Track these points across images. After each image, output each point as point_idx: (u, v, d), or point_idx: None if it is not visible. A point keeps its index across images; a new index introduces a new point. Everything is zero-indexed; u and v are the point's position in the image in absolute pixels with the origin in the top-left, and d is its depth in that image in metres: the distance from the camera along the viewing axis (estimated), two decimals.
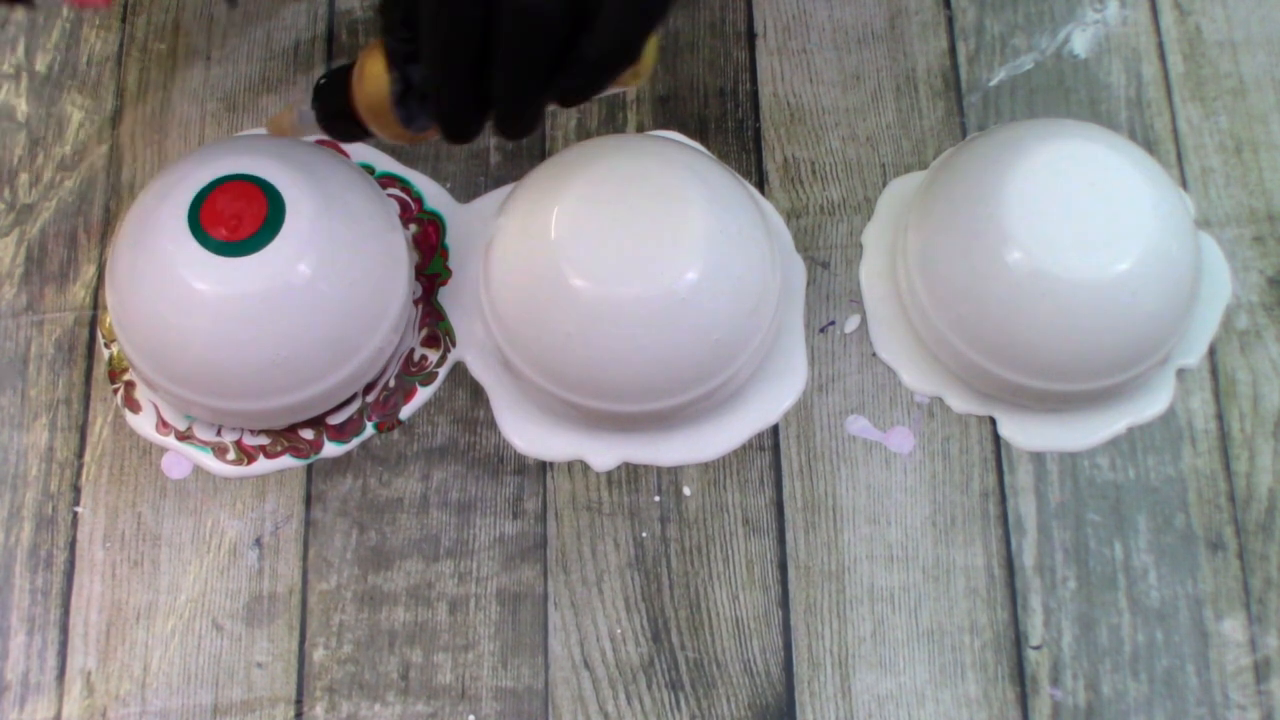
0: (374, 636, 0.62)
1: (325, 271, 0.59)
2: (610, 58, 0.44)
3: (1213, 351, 0.65)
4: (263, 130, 0.68)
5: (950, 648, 0.61)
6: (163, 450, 0.65)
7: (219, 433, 0.64)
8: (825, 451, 0.64)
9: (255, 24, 0.72)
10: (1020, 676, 0.61)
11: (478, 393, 0.65)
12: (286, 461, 0.64)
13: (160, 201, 0.59)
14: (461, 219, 0.68)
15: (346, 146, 0.67)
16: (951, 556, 0.62)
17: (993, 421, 0.64)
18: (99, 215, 0.69)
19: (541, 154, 0.69)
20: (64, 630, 0.62)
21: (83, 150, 0.70)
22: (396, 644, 0.62)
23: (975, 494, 0.63)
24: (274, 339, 0.58)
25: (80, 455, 0.65)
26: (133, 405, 0.65)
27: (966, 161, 0.63)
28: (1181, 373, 0.65)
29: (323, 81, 0.53)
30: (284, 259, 0.58)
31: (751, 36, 0.71)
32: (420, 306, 0.66)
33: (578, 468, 0.64)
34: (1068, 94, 0.69)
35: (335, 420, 0.64)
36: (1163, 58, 0.70)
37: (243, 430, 0.64)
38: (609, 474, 0.64)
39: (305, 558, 0.63)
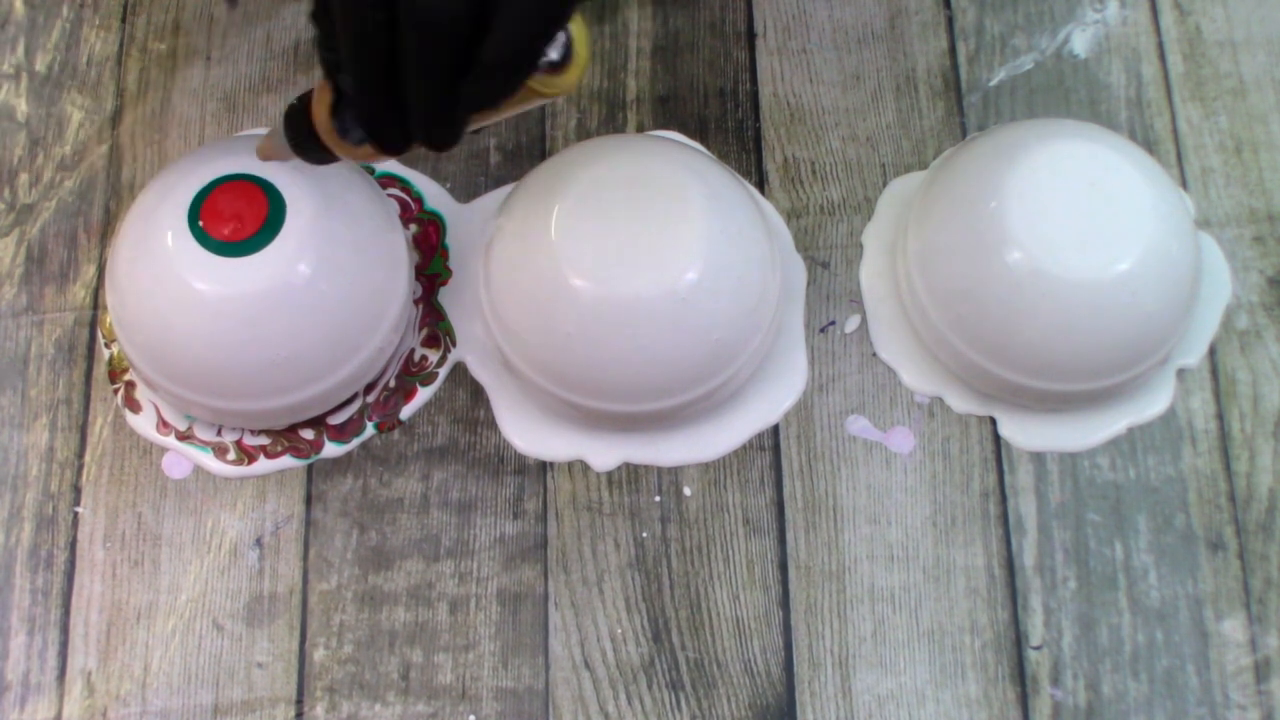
0: (374, 636, 0.62)
1: (325, 271, 0.59)
2: (508, 61, 0.44)
3: (1213, 351, 0.65)
4: (263, 130, 0.68)
5: (950, 648, 0.61)
6: (163, 450, 0.65)
7: (219, 433, 0.64)
8: (825, 451, 0.64)
9: (255, 24, 0.72)
10: (1020, 676, 0.61)
11: (478, 393, 0.65)
12: (287, 461, 0.64)
13: (160, 201, 0.59)
14: (461, 219, 0.68)
15: None
16: (952, 556, 0.62)
17: (993, 421, 0.64)
18: (99, 215, 0.69)
19: (541, 154, 0.69)
20: (64, 630, 0.62)
21: (83, 150, 0.70)
22: (397, 644, 0.62)
23: (975, 494, 0.63)
24: (274, 339, 0.58)
25: (80, 455, 0.65)
26: (133, 405, 0.65)
27: (966, 161, 0.63)
28: (1181, 373, 0.65)
29: (292, 104, 0.52)
30: (284, 259, 0.58)
31: (751, 36, 0.71)
32: (420, 306, 0.66)
33: (578, 468, 0.64)
34: (1068, 94, 0.69)
35: (336, 420, 0.64)
36: (1163, 58, 0.70)
37: (243, 430, 0.64)
38: (609, 474, 0.64)
39: (306, 558, 0.63)
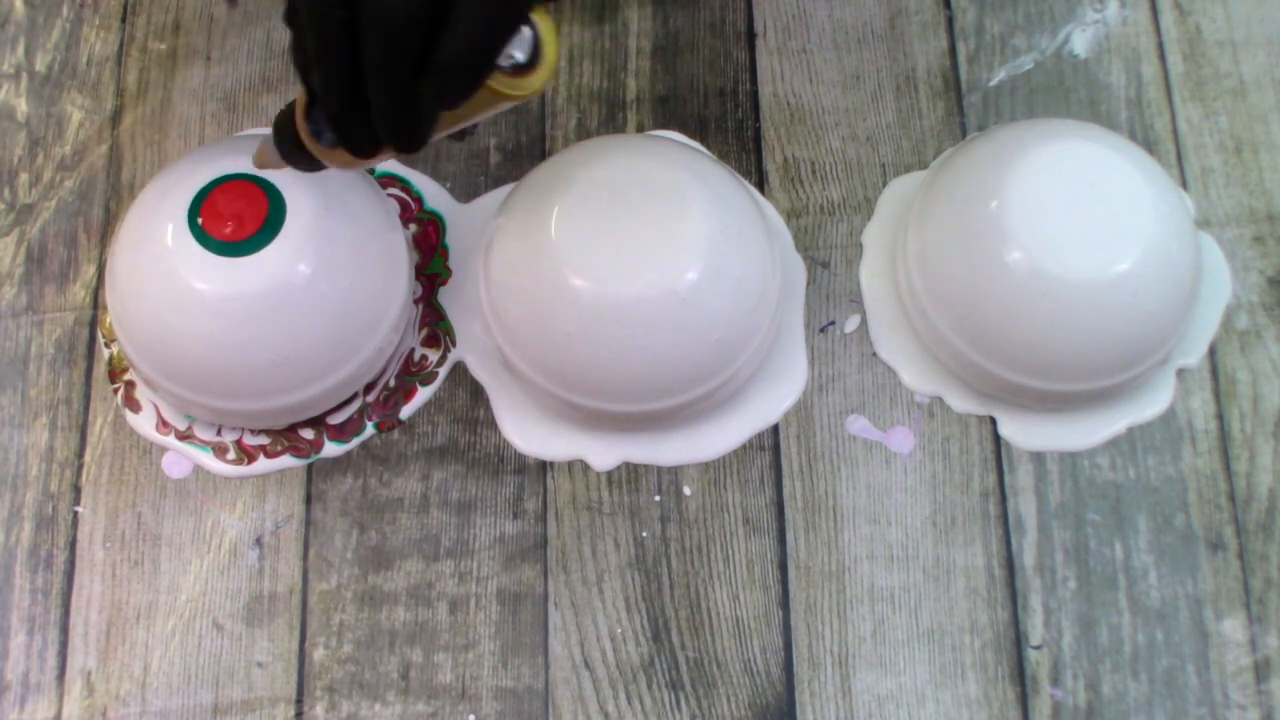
0: (374, 636, 0.62)
1: (325, 271, 0.59)
2: (464, 61, 0.44)
3: (1213, 351, 0.65)
4: (264, 130, 0.68)
5: (950, 648, 0.61)
6: (163, 450, 0.65)
7: (219, 432, 0.64)
8: (825, 451, 0.64)
9: (255, 24, 0.72)
10: (1020, 676, 0.61)
11: (478, 393, 0.65)
12: (287, 461, 0.64)
13: (160, 201, 0.59)
14: (461, 219, 0.68)
15: None
16: (952, 556, 0.62)
17: (993, 421, 0.64)
18: (99, 215, 0.69)
19: (541, 154, 0.69)
20: (64, 630, 0.62)
21: (83, 150, 0.70)
22: (397, 644, 0.62)
23: (975, 494, 0.63)
24: (274, 339, 0.58)
25: (80, 455, 0.65)
26: (133, 405, 0.65)
27: (966, 161, 0.63)
28: (1181, 373, 0.65)
29: (282, 111, 0.52)
30: (284, 259, 0.58)
31: (751, 36, 0.71)
32: (420, 306, 0.66)
33: (578, 468, 0.64)
34: (1068, 94, 0.69)
35: (335, 420, 0.64)
36: (1163, 58, 0.70)
37: (243, 430, 0.64)
38: (609, 474, 0.64)
39: (305, 557, 0.63)
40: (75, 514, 0.64)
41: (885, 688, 0.61)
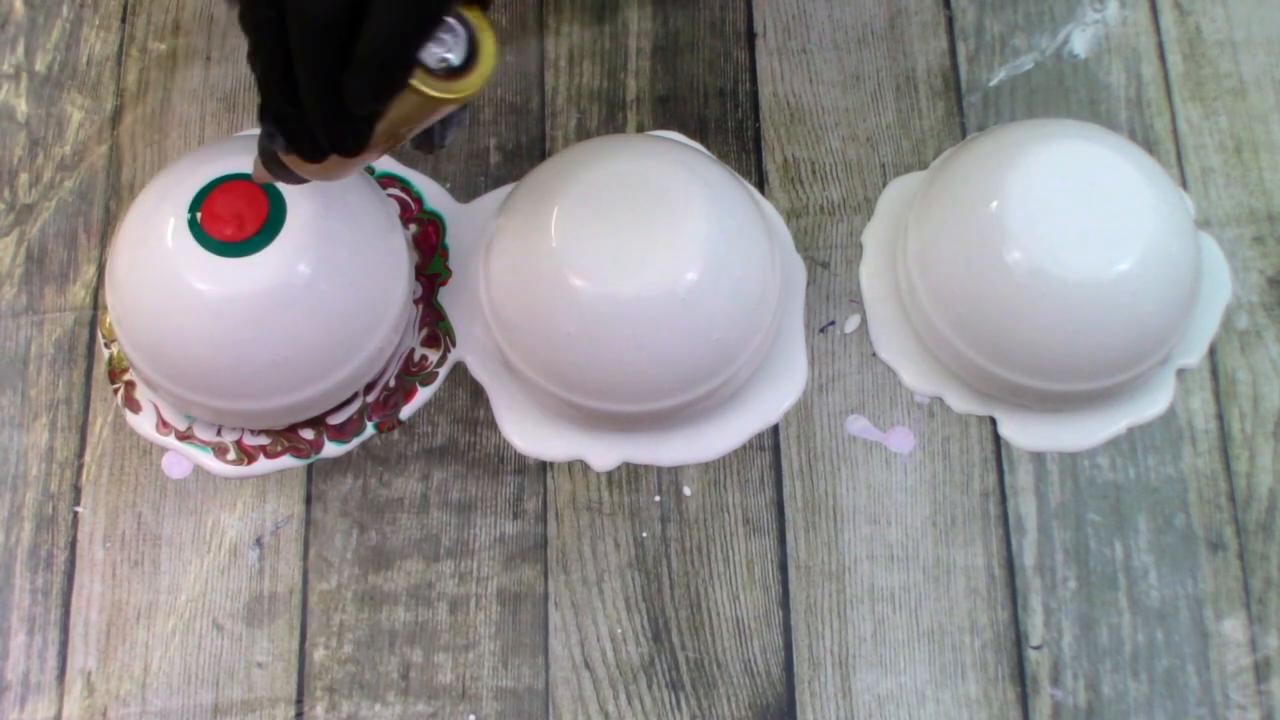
0: (374, 636, 0.62)
1: (325, 271, 0.59)
2: (380, 58, 0.44)
3: (1213, 351, 0.65)
4: None
5: (950, 648, 0.61)
6: (163, 450, 0.65)
7: (219, 433, 0.64)
8: (825, 451, 0.64)
9: None
10: (1020, 676, 0.61)
11: (478, 393, 0.65)
12: (287, 461, 0.64)
13: (160, 201, 0.59)
14: (461, 219, 0.68)
15: None
16: (952, 556, 0.62)
17: (993, 421, 0.64)
18: (99, 215, 0.69)
19: (541, 154, 0.69)
20: (64, 630, 0.62)
21: (83, 150, 0.70)
22: (397, 644, 0.62)
23: (975, 494, 0.63)
24: (274, 339, 0.58)
25: (80, 455, 0.65)
26: (133, 405, 0.65)
27: (966, 162, 0.63)
28: (1181, 373, 0.65)
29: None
30: (284, 259, 0.58)
31: (751, 36, 0.71)
32: (420, 306, 0.66)
33: (578, 468, 0.64)
34: (1068, 94, 0.69)
35: (335, 420, 0.64)
36: (1163, 58, 0.70)
37: (243, 430, 0.64)
38: (609, 474, 0.64)
39: (305, 558, 0.63)
40: (75, 514, 0.64)
41: (885, 688, 0.61)
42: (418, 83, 0.45)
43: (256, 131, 0.68)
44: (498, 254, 0.62)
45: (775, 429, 0.64)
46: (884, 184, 0.68)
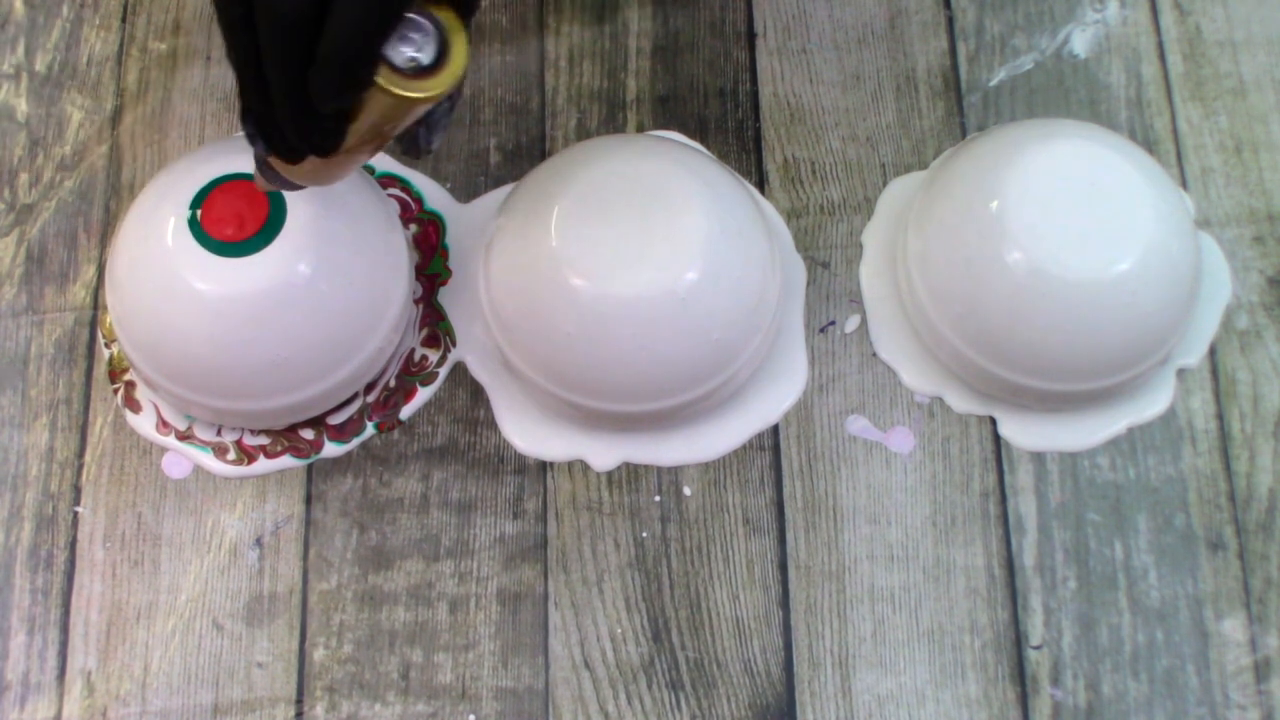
0: (374, 636, 0.62)
1: (325, 271, 0.59)
2: (342, 55, 0.44)
3: (1213, 351, 0.65)
4: None
5: (950, 648, 0.61)
6: (163, 450, 0.65)
7: (219, 432, 0.64)
8: (825, 451, 0.64)
9: None
10: (1020, 676, 0.61)
11: (478, 393, 0.65)
12: (287, 461, 0.64)
13: (160, 201, 0.59)
14: (461, 219, 0.68)
15: None
16: (952, 556, 0.62)
17: (993, 421, 0.64)
18: (99, 215, 0.69)
19: (541, 154, 0.69)
20: (64, 630, 0.62)
21: (83, 150, 0.70)
22: (397, 644, 0.62)
23: (975, 494, 0.63)
24: (274, 339, 0.58)
25: (80, 455, 0.65)
26: (133, 405, 0.65)
27: (966, 161, 0.63)
28: (1181, 373, 0.65)
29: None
30: (284, 259, 0.58)
31: (751, 36, 0.71)
32: (420, 306, 0.66)
33: (578, 468, 0.64)
34: (1068, 94, 0.69)
35: (335, 420, 0.64)
36: (1163, 58, 0.70)
37: (243, 430, 0.64)
38: (609, 474, 0.64)
39: (305, 558, 0.63)
40: (75, 514, 0.64)
41: (885, 688, 0.61)
42: (385, 81, 0.45)
43: None
44: (498, 254, 0.62)
45: (775, 429, 0.64)
46: (884, 184, 0.68)
